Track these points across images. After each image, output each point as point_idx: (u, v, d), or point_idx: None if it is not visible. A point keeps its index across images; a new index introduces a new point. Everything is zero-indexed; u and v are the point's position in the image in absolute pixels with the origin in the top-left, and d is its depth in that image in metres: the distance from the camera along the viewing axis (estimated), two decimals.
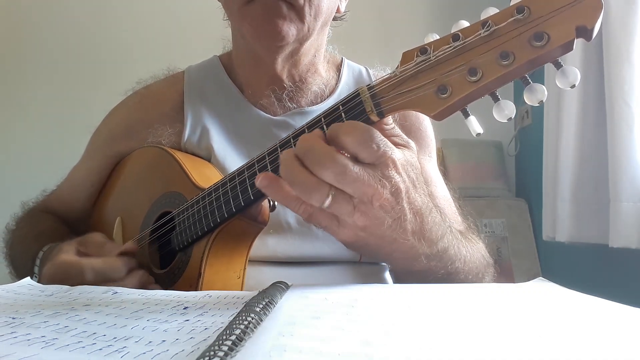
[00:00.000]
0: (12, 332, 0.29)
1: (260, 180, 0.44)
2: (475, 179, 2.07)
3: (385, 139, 0.42)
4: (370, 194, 0.41)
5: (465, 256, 0.55)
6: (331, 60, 0.80)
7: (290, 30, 0.62)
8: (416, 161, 0.45)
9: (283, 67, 0.70)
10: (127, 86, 0.82)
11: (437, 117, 0.42)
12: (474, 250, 0.59)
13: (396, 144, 0.45)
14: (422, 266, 0.49)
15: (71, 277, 0.52)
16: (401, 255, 0.48)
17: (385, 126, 0.45)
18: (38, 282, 0.61)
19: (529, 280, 0.46)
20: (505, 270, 1.88)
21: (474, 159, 2.09)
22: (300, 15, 0.62)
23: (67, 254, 0.56)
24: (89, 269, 0.53)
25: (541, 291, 0.42)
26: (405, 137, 0.47)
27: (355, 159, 0.41)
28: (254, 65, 0.71)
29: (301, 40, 0.67)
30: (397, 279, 0.54)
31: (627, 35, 1.25)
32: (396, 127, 0.46)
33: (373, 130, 0.42)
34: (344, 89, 0.76)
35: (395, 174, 0.42)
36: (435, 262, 0.50)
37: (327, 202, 0.41)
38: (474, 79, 0.40)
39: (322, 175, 0.40)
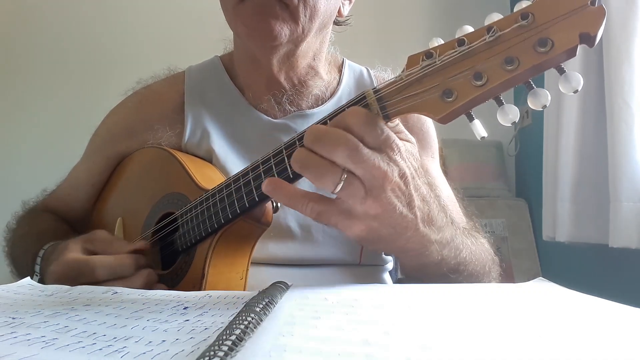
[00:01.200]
0: (12, 332, 0.29)
1: (266, 185, 0.45)
2: (475, 179, 2.07)
3: (387, 128, 0.43)
4: (381, 177, 0.41)
5: (471, 247, 0.55)
6: (333, 61, 0.79)
7: (283, 30, 0.61)
8: (417, 153, 0.46)
9: (280, 69, 0.70)
10: (127, 85, 0.82)
11: (442, 120, 0.42)
12: (478, 244, 0.59)
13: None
14: (436, 256, 0.49)
15: (82, 275, 0.52)
16: (415, 245, 0.47)
17: (391, 124, 0.46)
18: (40, 280, 0.61)
19: (529, 280, 0.46)
20: (505, 270, 1.87)
21: (474, 159, 2.10)
22: (294, 15, 0.61)
23: (75, 252, 0.55)
24: (101, 267, 0.52)
25: (541, 291, 0.42)
26: (408, 134, 0.48)
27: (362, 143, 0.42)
28: (253, 67, 0.71)
29: (296, 42, 0.66)
30: (409, 277, 0.54)
31: (627, 35, 1.25)
32: (400, 125, 0.47)
33: (377, 116, 0.43)
34: (345, 91, 0.76)
35: (400, 158, 0.43)
36: (447, 250, 0.50)
37: (340, 185, 0.41)
38: (479, 83, 0.40)
39: (335, 155, 0.41)
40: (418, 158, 0.46)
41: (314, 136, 0.42)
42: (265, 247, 0.63)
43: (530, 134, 2.04)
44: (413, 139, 0.48)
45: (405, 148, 0.45)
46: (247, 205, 0.51)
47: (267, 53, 0.67)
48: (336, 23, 0.75)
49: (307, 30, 0.64)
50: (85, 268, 0.52)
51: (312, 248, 0.65)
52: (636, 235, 1.21)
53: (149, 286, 0.54)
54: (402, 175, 0.43)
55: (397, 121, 0.47)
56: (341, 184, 0.41)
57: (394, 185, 0.42)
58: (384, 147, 0.42)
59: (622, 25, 1.25)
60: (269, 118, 0.72)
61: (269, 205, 0.55)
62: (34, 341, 0.27)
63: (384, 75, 0.80)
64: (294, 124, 0.71)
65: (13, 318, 0.32)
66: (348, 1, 0.73)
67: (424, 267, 0.51)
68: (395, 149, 0.43)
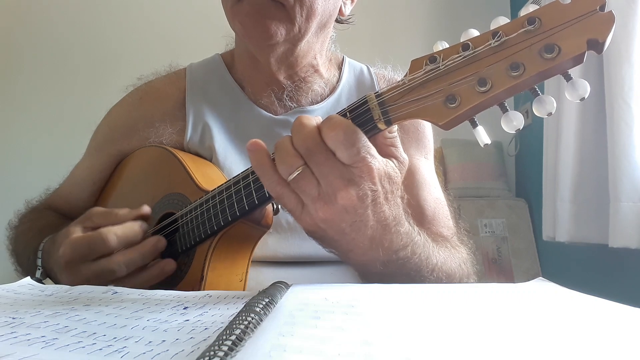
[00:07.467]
0: (12, 332, 0.29)
1: (250, 144, 0.45)
2: (475, 179, 2.07)
3: (369, 146, 0.42)
4: (336, 187, 0.41)
5: (436, 265, 0.55)
6: (333, 58, 0.79)
7: (279, 30, 0.61)
8: (398, 176, 0.45)
9: (279, 69, 0.70)
10: (128, 82, 0.82)
11: (445, 126, 0.42)
12: (451, 259, 0.59)
13: (388, 154, 0.45)
14: (378, 270, 0.49)
15: (95, 249, 0.52)
16: (357, 256, 0.48)
17: (388, 134, 0.45)
18: (42, 274, 0.61)
19: (529, 280, 0.46)
20: (505, 270, 1.88)
21: (474, 159, 2.10)
22: (290, 15, 0.61)
23: (78, 233, 0.55)
24: (112, 236, 0.52)
25: (541, 291, 0.42)
26: (401, 151, 0.46)
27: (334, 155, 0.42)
28: (253, 65, 0.72)
29: (293, 41, 0.66)
30: (360, 276, 0.54)
31: (627, 35, 1.25)
32: (397, 138, 0.46)
33: (359, 133, 0.42)
34: (344, 88, 0.76)
35: (368, 181, 0.42)
36: (394, 269, 0.50)
37: (293, 175, 0.42)
38: (483, 89, 0.39)
39: (297, 142, 0.42)
40: (397, 180, 0.45)
41: (295, 124, 0.43)
42: (266, 244, 0.63)
43: (530, 134, 2.04)
44: (406, 160, 0.47)
45: (384, 169, 0.43)
46: (247, 207, 0.50)
47: (264, 52, 0.67)
48: (338, 21, 0.75)
49: (304, 30, 0.64)
50: (95, 241, 0.52)
51: (313, 244, 0.65)
52: (636, 235, 1.21)
53: (158, 252, 0.54)
54: (362, 197, 0.42)
55: (395, 132, 0.46)
56: (294, 174, 0.42)
57: (347, 201, 0.42)
58: (353, 167, 0.41)
59: (622, 25, 1.25)
60: (270, 114, 0.72)
61: (269, 207, 0.55)
62: (34, 341, 0.27)
63: (384, 72, 0.80)
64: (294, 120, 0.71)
65: (13, 318, 0.32)
66: (350, 0, 0.73)
67: (368, 274, 0.51)
68: (365, 171, 0.41)
